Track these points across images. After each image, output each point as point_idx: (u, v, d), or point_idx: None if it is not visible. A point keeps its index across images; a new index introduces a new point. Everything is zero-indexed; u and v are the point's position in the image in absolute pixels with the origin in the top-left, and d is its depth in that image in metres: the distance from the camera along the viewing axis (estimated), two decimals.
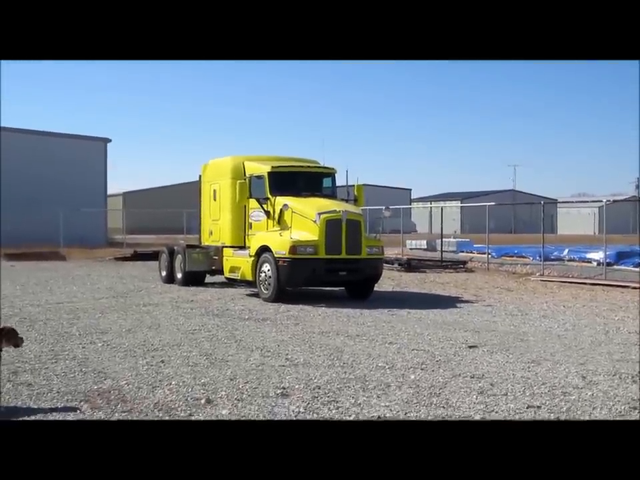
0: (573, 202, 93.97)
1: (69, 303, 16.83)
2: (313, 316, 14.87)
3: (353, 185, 20.73)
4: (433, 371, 9.46)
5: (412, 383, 8.66)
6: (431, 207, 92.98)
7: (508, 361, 10.08)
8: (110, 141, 50.66)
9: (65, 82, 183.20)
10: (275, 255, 16.54)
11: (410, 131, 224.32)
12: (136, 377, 8.95)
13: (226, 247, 19.78)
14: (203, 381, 8.73)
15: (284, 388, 8.36)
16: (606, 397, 8.09)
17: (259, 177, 18.51)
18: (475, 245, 35.98)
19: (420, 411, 7.40)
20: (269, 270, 16.84)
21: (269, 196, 18.05)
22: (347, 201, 19.66)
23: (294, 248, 16.23)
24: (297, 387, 8.44)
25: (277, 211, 17.64)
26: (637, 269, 24.53)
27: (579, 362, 10.06)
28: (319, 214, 16.69)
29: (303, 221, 16.94)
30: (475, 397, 8.05)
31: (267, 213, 18.04)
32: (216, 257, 20.37)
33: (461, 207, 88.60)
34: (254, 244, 17.80)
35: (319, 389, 8.34)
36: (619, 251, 27.93)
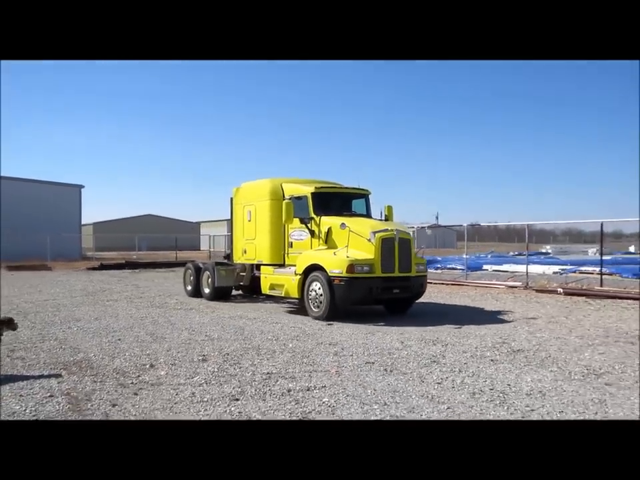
0: None
1: (53, 300, 16.04)
2: (224, 306, 14.66)
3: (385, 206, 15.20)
4: (304, 340, 9.55)
5: (290, 350, 8.72)
6: None
7: (353, 333, 10.27)
8: (83, 187, 48.77)
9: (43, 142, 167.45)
10: (330, 274, 11.87)
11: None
12: (100, 350, 8.69)
13: (263, 264, 14.51)
14: (148, 352, 8.56)
15: (204, 355, 8.29)
16: (416, 354, 8.36)
17: (299, 198, 13.56)
18: None
19: (295, 368, 7.49)
20: (319, 288, 12.12)
21: (313, 215, 13.24)
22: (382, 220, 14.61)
23: (352, 267, 11.65)
24: (213, 354, 8.39)
25: (323, 230, 12.96)
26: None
27: (399, 332, 10.36)
28: (374, 233, 12.10)
29: (357, 240, 12.20)
30: (331, 357, 8.19)
31: (312, 232, 13.23)
32: (243, 274, 15.65)
33: None
34: (301, 262, 12.80)
35: (228, 355, 8.32)
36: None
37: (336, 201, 13.79)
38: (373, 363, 7.79)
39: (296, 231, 13.67)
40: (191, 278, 16.96)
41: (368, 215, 14.25)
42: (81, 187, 48.48)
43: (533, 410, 5.66)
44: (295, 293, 12.85)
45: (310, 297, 12.34)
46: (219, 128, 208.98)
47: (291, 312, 13.42)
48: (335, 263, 11.85)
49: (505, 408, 5.74)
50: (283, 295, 13.35)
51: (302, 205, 13.40)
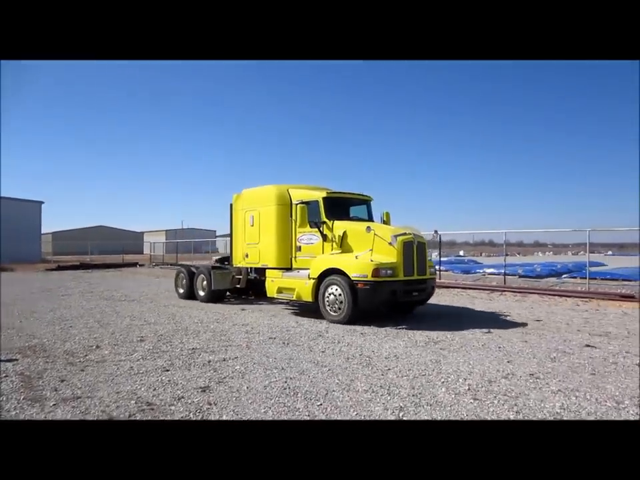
0: None
1: (13, 296, 14.53)
2: (162, 297, 13.91)
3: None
4: (223, 322, 9.28)
5: (211, 330, 8.44)
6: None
7: (260, 316, 10.11)
8: (43, 202, 44.79)
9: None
10: (352, 278, 8.98)
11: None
12: (53, 336, 7.98)
13: (269, 268, 11.15)
14: (95, 336, 7.96)
15: (142, 337, 7.84)
16: (308, 331, 8.35)
17: (309, 203, 10.51)
18: None
19: (215, 344, 7.26)
20: (337, 290, 9.20)
21: (326, 220, 10.22)
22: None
23: (377, 271, 8.83)
24: (149, 335, 7.95)
25: (337, 234, 10.00)
26: None
27: (295, 314, 10.35)
28: (395, 236, 9.27)
29: (379, 243, 9.37)
30: (243, 334, 8.02)
31: (324, 236, 10.17)
32: (238, 277, 12.41)
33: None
34: (316, 266, 9.73)
35: (162, 336, 7.92)
36: None
37: (343, 206, 10.97)
38: (275, 338, 7.71)
39: (305, 235, 10.58)
40: (184, 281, 13.65)
41: (371, 219, 11.20)
42: (41, 202, 44.69)
43: (389, 369, 5.84)
44: (308, 297, 9.81)
45: (328, 300, 9.39)
46: (165, 153, 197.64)
47: (212, 304, 12.99)
48: (358, 267, 9.02)
49: (370, 368, 5.89)
50: (294, 298, 10.23)
51: (312, 209, 10.50)
